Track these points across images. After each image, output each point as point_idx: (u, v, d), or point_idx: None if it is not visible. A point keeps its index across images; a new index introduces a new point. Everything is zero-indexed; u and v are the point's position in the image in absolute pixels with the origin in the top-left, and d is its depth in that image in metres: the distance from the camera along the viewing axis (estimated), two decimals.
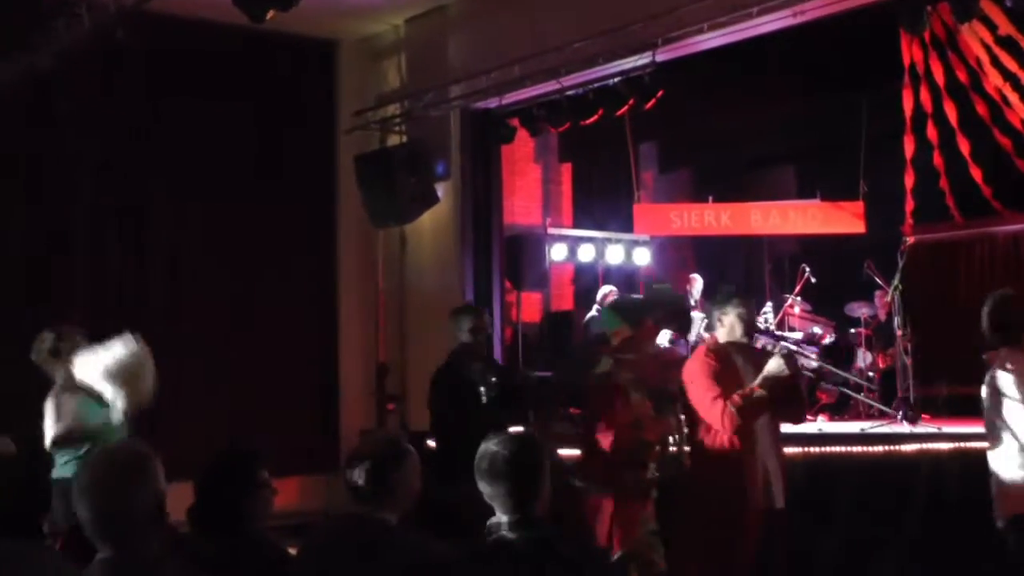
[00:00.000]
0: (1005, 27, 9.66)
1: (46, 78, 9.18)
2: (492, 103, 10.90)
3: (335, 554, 3.65)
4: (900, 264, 9.16)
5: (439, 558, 3.49)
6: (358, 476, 3.65)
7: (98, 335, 6.46)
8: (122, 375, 6.16)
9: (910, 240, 10.17)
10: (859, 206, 11.91)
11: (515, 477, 3.30)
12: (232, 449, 3.96)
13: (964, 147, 10.61)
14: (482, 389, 6.61)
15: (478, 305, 9.29)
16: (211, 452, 3.89)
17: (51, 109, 10.07)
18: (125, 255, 10.82)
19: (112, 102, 10.60)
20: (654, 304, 8.26)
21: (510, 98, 10.64)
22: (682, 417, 5.95)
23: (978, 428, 7.21)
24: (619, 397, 5.94)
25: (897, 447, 7.77)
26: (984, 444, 5.24)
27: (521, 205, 12.78)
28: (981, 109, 10.47)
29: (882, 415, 9.41)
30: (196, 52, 10.88)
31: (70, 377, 6.33)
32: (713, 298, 6.04)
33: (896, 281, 9.07)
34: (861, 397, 10.06)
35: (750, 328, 5.78)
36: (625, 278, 13.00)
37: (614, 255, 12.91)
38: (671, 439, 6.08)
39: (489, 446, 3.38)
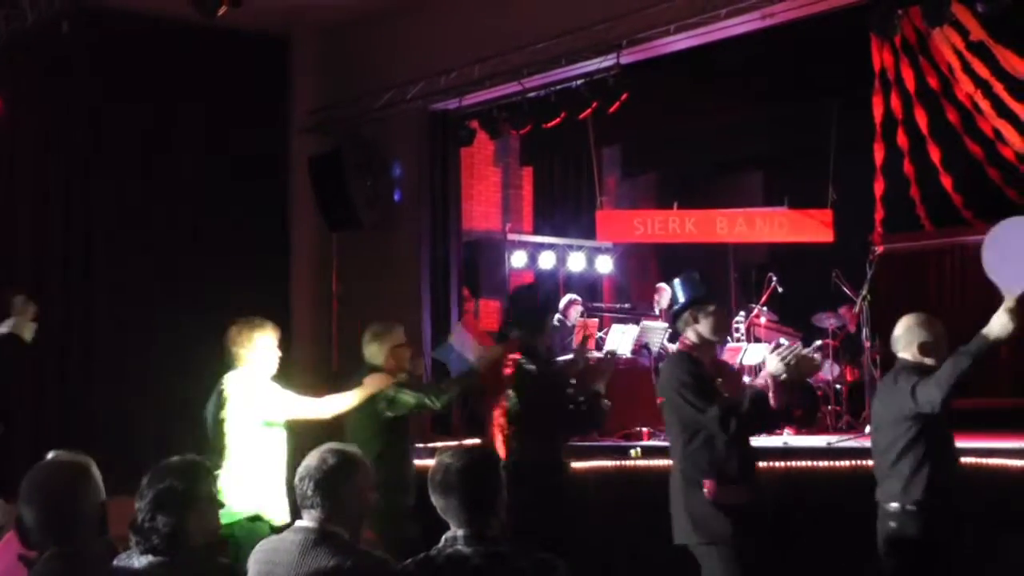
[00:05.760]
0: (977, 32, 9.59)
1: None
2: (451, 104, 10.75)
3: (285, 567, 3.50)
4: (869, 274, 9.00)
5: (392, 570, 3.44)
6: (307, 488, 3.55)
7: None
8: None
9: (879, 249, 10.03)
10: (827, 214, 11.77)
11: (467, 490, 3.32)
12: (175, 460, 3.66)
13: (935, 155, 10.53)
14: None
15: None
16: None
17: None
18: (68, 279, 10.49)
19: (55, 99, 10.32)
20: None
21: (470, 99, 10.50)
22: None
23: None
24: None
25: (864, 462, 7.50)
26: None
27: (480, 210, 12.60)
28: (952, 116, 10.40)
29: (849, 428, 9.21)
30: (143, 47, 10.62)
31: None
32: None
33: (865, 291, 8.90)
34: None
35: None
36: (587, 286, 12.73)
37: (575, 262, 12.67)
38: None
39: (443, 459, 3.40)
